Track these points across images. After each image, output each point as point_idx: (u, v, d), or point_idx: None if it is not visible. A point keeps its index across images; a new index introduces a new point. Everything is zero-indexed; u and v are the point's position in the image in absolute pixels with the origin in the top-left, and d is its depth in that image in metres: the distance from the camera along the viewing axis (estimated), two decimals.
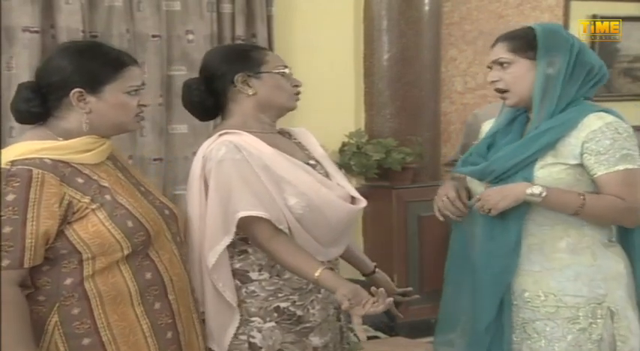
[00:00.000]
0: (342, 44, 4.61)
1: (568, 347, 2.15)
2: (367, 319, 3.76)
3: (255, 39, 4.18)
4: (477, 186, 2.26)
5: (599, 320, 2.15)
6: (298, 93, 2.24)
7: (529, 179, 2.13)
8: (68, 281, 1.86)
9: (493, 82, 2.22)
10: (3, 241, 1.76)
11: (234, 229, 2.05)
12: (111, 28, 3.88)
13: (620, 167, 2.10)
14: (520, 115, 2.27)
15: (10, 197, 1.79)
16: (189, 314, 2.03)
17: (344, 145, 4.57)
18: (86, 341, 1.86)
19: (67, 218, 1.84)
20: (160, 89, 3.97)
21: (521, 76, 2.18)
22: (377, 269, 2.45)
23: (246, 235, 2.10)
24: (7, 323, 1.75)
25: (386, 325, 3.89)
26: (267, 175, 2.09)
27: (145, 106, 2.01)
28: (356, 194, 2.26)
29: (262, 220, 2.05)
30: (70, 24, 3.74)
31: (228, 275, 2.12)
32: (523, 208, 2.14)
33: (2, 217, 1.77)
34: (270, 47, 4.18)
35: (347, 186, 2.27)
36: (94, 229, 1.86)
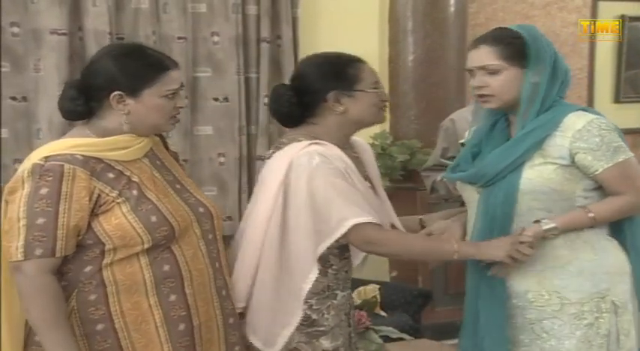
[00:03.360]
0: (367, 45, 4.60)
1: (578, 343, 2.16)
2: (392, 321, 3.76)
3: (280, 41, 4.19)
4: (469, 191, 2.28)
5: (604, 314, 2.17)
6: (385, 107, 2.25)
7: (517, 181, 2.15)
8: (88, 268, 1.95)
9: (479, 87, 2.20)
10: (37, 232, 1.87)
11: (336, 236, 2.07)
12: (137, 30, 3.91)
13: (618, 159, 2.14)
14: (499, 119, 2.28)
15: (43, 191, 1.89)
16: (211, 309, 2.07)
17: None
18: (100, 327, 1.94)
19: (94, 211, 1.93)
20: (185, 91, 3.99)
21: (510, 83, 2.18)
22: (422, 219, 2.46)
23: (355, 242, 2.12)
24: (43, 308, 1.87)
25: (411, 327, 3.88)
26: (354, 186, 2.13)
27: (181, 107, 2.08)
28: (398, 224, 2.30)
29: (371, 225, 2.08)
30: (97, 26, 3.77)
31: None
32: (513, 208, 2.17)
33: (37, 209, 1.88)
34: (295, 49, 4.19)
35: (392, 214, 2.32)
36: (116, 221, 1.94)
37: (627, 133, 5.46)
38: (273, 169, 2.15)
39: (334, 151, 2.14)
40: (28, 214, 1.88)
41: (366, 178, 2.28)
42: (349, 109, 2.18)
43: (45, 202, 1.88)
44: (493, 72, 2.17)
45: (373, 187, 2.30)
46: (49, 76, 3.70)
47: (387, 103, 2.26)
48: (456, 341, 2.54)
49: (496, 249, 2.10)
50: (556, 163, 2.15)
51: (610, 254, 2.22)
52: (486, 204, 2.20)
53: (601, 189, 2.19)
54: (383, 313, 3.89)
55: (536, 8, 5.08)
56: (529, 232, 2.12)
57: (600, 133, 2.14)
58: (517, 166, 2.17)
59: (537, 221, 2.14)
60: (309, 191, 2.07)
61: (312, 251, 2.10)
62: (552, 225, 2.13)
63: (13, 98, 3.72)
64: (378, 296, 3.89)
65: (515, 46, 2.17)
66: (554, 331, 2.18)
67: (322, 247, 2.09)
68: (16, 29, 3.71)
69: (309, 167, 2.09)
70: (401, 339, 3.56)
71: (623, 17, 5.21)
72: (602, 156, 2.13)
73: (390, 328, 3.52)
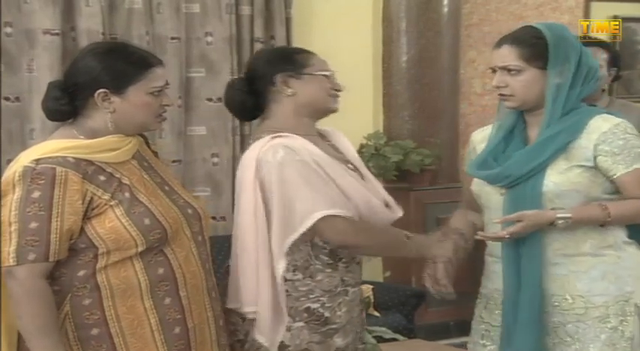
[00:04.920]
0: (360, 46, 4.61)
1: (603, 347, 2.15)
2: (385, 322, 3.76)
3: (273, 41, 4.19)
4: (489, 193, 2.26)
5: (629, 318, 2.16)
6: (338, 96, 2.24)
7: (540, 184, 2.15)
8: (81, 273, 1.92)
9: (499, 87, 2.20)
10: (30, 236, 1.84)
11: (302, 230, 2.06)
12: (130, 30, 3.90)
13: (637, 165, 2.13)
14: (518, 120, 2.27)
15: (35, 194, 1.86)
16: (203, 312, 2.05)
17: (362, 146, 4.57)
18: (95, 331, 1.92)
19: (87, 214, 1.90)
20: (178, 91, 3.99)
21: (531, 84, 2.17)
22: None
23: (323, 236, 2.10)
24: (35, 314, 1.84)
25: (404, 327, 3.88)
26: (325, 176, 2.12)
27: (167, 105, 2.05)
28: (391, 201, 2.28)
29: (338, 218, 2.07)
30: (91, 26, 3.77)
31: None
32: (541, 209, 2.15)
33: (29, 213, 1.84)
34: None
35: (383, 192, 2.29)
36: (110, 224, 1.91)
37: None
38: (244, 171, 2.15)
39: (298, 141, 2.13)
40: (20, 219, 1.84)
41: (347, 162, 2.28)
42: (298, 91, 2.18)
43: (37, 206, 1.85)
44: (514, 72, 2.17)
45: (357, 170, 2.29)
46: (43, 77, 3.69)
47: (340, 93, 2.23)
48: (449, 341, 2.55)
49: (439, 248, 2.23)
50: (582, 166, 2.15)
51: (632, 257, 2.21)
52: (515, 205, 2.18)
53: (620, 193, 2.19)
54: (376, 314, 3.89)
55: (530, 9, 5.09)
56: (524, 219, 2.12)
57: (625, 136, 2.14)
58: (541, 170, 2.16)
59: (553, 209, 2.13)
60: (277, 185, 2.07)
61: (278, 246, 2.09)
62: (568, 215, 2.11)
63: (7, 98, 3.71)
64: (372, 296, 3.89)
65: (536, 47, 2.16)
66: (578, 335, 2.16)
67: (288, 242, 2.08)
68: (9, 29, 3.70)
69: (274, 162, 2.08)
70: (394, 339, 3.56)
71: (615, 18, 5.22)
72: (622, 160, 2.12)
73: (384, 329, 3.51)
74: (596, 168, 2.15)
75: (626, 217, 2.18)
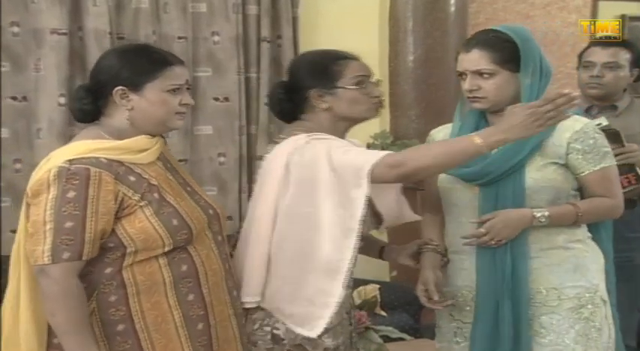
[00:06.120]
0: (367, 45, 4.57)
1: (577, 337, 2.21)
2: (392, 321, 3.76)
3: (280, 40, 4.20)
4: (460, 190, 2.29)
5: (596, 309, 2.24)
6: (379, 102, 2.24)
7: (522, 180, 2.20)
8: (108, 270, 1.95)
9: (472, 90, 2.23)
10: (65, 236, 1.87)
11: (365, 189, 2.00)
12: (137, 29, 3.91)
13: (604, 165, 2.23)
14: (480, 120, 2.31)
15: (70, 194, 1.89)
16: (224, 308, 2.08)
17: (369, 146, 4.56)
18: (120, 327, 1.95)
19: (117, 214, 1.94)
20: None
21: (503, 86, 2.21)
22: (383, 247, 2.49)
23: (384, 177, 2.03)
24: (69, 312, 1.87)
25: (411, 326, 3.88)
26: None
27: (187, 104, 2.07)
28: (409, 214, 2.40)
29: (386, 156, 2.02)
30: (98, 26, 3.78)
31: None
32: (524, 205, 2.22)
33: (64, 213, 1.88)
34: (295, 49, 4.19)
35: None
36: (140, 224, 1.94)
37: None
38: (273, 162, 2.15)
39: (333, 139, 2.15)
40: (55, 218, 1.87)
41: None
42: (333, 106, 2.20)
43: (73, 206, 1.87)
44: (486, 75, 2.21)
45: None
46: (50, 76, 3.70)
47: (380, 98, 2.24)
48: None
49: (521, 128, 2.00)
50: (555, 163, 2.23)
51: (595, 251, 2.31)
52: (495, 201, 2.23)
53: (580, 190, 2.28)
54: (383, 313, 3.90)
55: (537, 8, 5.08)
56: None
57: (595, 136, 2.24)
58: (520, 167, 2.22)
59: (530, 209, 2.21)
60: (328, 165, 2.05)
61: (339, 224, 2.04)
62: (546, 213, 2.19)
63: (14, 98, 3.72)
64: (378, 296, 3.89)
65: (507, 50, 2.20)
66: (552, 327, 2.22)
67: (358, 214, 2.02)
68: (16, 29, 3.71)
69: (316, 153, 2.08)
70: (401, 339, 3.56)
71: (623, 17, 5.20)
72: (591, 159, 2.22)
73: (390, 328, 3.52)
74: (566, 165, 2.22)
75: (594, 216, 2.27)
